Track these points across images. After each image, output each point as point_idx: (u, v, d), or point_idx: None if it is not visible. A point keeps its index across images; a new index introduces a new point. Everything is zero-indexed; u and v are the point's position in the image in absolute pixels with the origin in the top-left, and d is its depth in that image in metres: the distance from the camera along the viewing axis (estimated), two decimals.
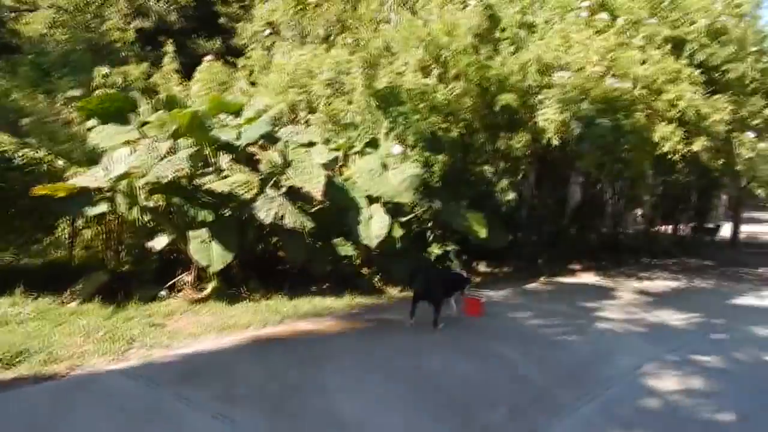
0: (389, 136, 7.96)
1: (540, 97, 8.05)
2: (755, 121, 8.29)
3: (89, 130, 7.79)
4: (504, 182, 8.73)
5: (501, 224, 8.65)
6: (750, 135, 8.12)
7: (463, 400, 3.76)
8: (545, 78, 8.18)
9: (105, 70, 9.52)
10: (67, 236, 7.36)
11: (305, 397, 3.74)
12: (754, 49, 8.61)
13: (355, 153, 8.21)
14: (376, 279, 7.54)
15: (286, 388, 3.86)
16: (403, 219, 8.00)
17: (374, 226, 7.06)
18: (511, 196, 8.60)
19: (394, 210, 7.78)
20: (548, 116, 7.72)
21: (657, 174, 10.76)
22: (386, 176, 7.42)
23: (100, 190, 6.82)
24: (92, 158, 7.60)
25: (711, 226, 13.47)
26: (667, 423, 3.49)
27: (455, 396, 3.83)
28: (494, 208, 8.77)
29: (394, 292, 7.21)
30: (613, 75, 7.69)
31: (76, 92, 9.31)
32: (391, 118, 8.18)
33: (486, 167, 8.72)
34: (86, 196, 6.73)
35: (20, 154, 6.59)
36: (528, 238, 9.98)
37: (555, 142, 7.61)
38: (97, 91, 7.44)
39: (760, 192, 8.96)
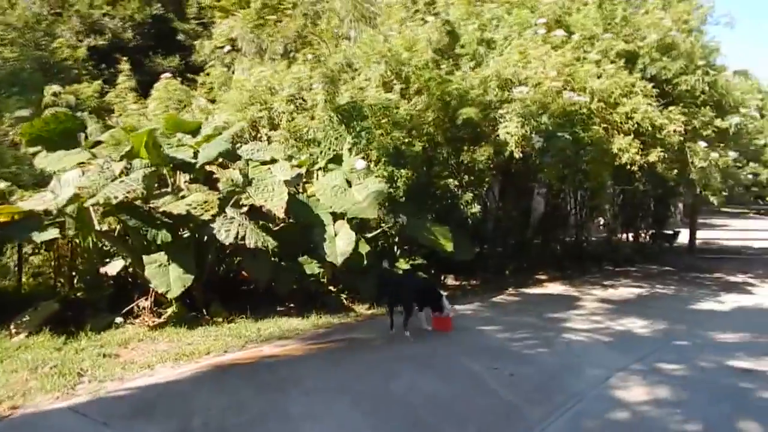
0: (352, 151, 7.89)
1: (501, 111, 8.15)
2: (706, 132, 8.59)
3: (33, 154, 7.43)
4: (468, 195, 8.75)
5: (467, 237, 8.66)
6: (702, 145, 8.41)
7: (431, 421, 3.66)
8: (505, 93, 8.30)
9: (55, 88, 9.13)
10: (14, 263, 6.95)
11: (268, 426, 3.56)
12: (702, 62, 8.97)
13: (319, 169, 8.11)
14: (343, 297, 7.39)
15: (248, 418, 3.67)
16: (369, 235, 7.92)
17: (339, 243, 6.94)
18: (476, 208, 8.62)
19: (360, 226, 7.69)
20: (509, 130, 7.80)
21: (616, 184, 11.03)
22: (350, 192, 7.33)
23: (48, 213, 6.49)
24: (41, 182, 7.26)
25: (669, 232, 13.89)
26: None
27: (423, 417, 3.72)
28: (460, 221, 8.78)
29: (361, 309, 7.08)
30: (571, 89, 7.86)
31: (25, 112, 8.91)
32: (354, 134, 8.13)
33: (450, 180, 8.73)
34: (34, 220, 6.38)
35: None
36: (494, 250, 10.03)
37: (517, 155, 7.69)
38: (46, 111, 7.09)
39: (713, 199, 9.25)
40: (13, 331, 5.58)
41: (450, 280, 8.94)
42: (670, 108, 8.27)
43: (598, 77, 8.15)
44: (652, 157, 7.73)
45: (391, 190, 7.79)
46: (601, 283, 9.20)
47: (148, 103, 10.78)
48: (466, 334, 5.83)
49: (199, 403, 3.89)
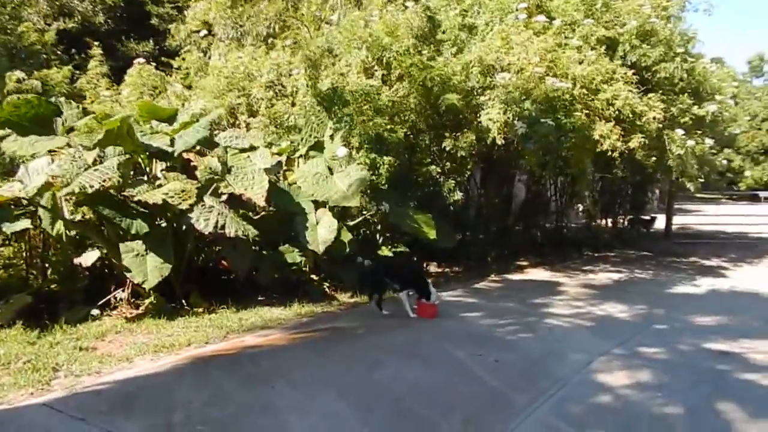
0: (334, 138, 7.77)
1: (483, 97, 8.11)
2: (684, 119, 8.70)
3: (1, 139, 7.15)
4: (451, 182, 8.73)
5: (449, 224, 8.65)
6: (680, 132, 8.51)
7: (417, 410, 3.64)
8: (488, 79, 8.26)
9: (18, 74, 8.75)
10: None
11: (253, 419, 3.50)
12: (680, 50, 9.05)
13: (300, 157, 7.98)
14: (325, 285, 7.33)
15: (232, 411, 3.59)
16: (352, 223, 7.84)
17: (321, 232, 6.86)
18: (458, 195, 8.61)
19: (342, 214, 7.62)
20: (492, 116, 7.77)
21: (596, 171, 11.13)
22: (332, 180, 7.23)
23: (17, 203, 6.26)
24: (9, 171, 6.99)
25: (647, 218, 14.12)
26: (620, 419, 3.51)
27: (409, 406, 3.70)
28: (442, 208, 8.76)
29: (344, 298, 7.03)
30: (554, 75, 7.85)
31: None
32: (335, 120, 8.00)
33: (432, 167, 8.69)
34: (5, 210, 6.15)
35: None
36: (476, 237, 10.06)
37: (499, 141, 7.68)
38: (8, 98, 6.80)
39: (690, 186, 9.40)
40: None
41: (433, 268, 8.95)
42: (650, 95, 8.33)
43: (580, 63, 8.16)
44: (633, 143, 7.79)
45: (374, 177, 7.71)
46: (581, 269, 9.31)
47: (122, 89, 10.46)
48: (450, 321, 5.83)
49: (181, 396, 3.80)
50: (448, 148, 8.46)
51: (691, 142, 8.60)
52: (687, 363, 4.65)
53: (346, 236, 7.31)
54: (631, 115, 7.82)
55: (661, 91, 8.71)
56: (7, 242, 7.05)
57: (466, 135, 8.28)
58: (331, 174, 7.31)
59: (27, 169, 6.06)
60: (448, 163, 8.98)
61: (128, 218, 6.15)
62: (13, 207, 6.31)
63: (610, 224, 13.43)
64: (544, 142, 8.10)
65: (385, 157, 7.90)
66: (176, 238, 6.51)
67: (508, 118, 7.72)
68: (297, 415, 3.57)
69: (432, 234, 7.39)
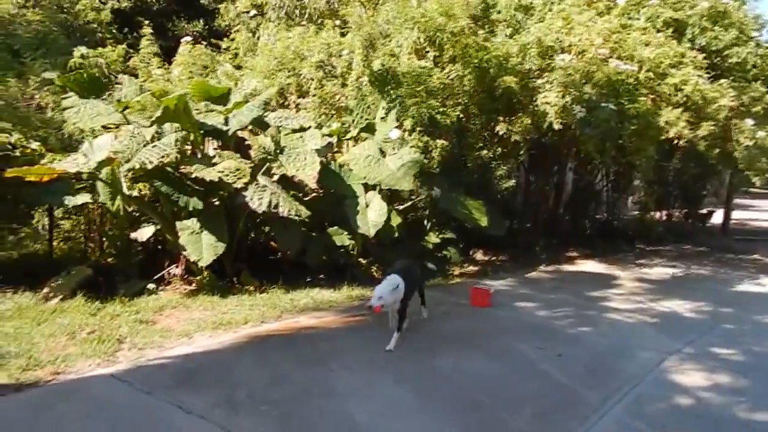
0: (386, 120, 7.63)
1: (540, 80, 7.79)
2: (755, 108, 8.15)
3: (64, 110, 7.31)
4: (502, 168, 8.47)
5: (498, 211, 8.43)
6: (749, 122, 7.98)
7: (482, 403, 3.52)
8: (546, 61, 7.92)
9: (83, 50, 8.94)
10: (45, 227, 6.90)
11: (314, 402, 3.45)
12: (755, 34, 8.46)
13: (350, 138, 7.88)
14: (374, 269, 7.26)
15: (291, 392, 3.57)
16: (401, 207, 7.72)
17: (371, 215, 6.77)
18: (510, 182, 8.35)
19: (391, 197, 7.50)
20: (549, 100, 7.45)
21: (654, 160, 10.62)
22: (384, 162, 7.11)
23: (79, 177, 6.39)
24: (68, 146, 7.14)
25: (704, 212, 13.47)
26: (704, 423, 3.30)
27: (473, 398, 3.58)
28: (491, 194, 8.54)
29: None
30: (618, 57, 7.45)
31: (51, 75, 8.74)
32: (387, 102, 7.85)
33: (484, 152, 8.45)
34: (65, 184, 6.29)
35: None
36: (524, 225, 9.79)
37: (557, 126, 7.36)
38: (76, 71, 6.94)
39: (756, 180, 8.85)
40: (48, 294, 5.53)
41: (479, 255, 8.76)
42: (720, 81, 7.83)
43: (646, 45, 7.73)
44: (702, 131, 7.34)
45: (426, 161, 7.54)
46: (635, 262, 8.94)
47: (173, 68, 10.55)
48: (505, 311, 5.66)
49: (241, 374, 3.80)
50: (500, 133, 8.20)
51: (761, 133, 8.06)
52: (765, 366, 4.36)
53: (396, 220, 7.20)
54: (701, 102, 7.36)
55: (732, 78, 8.18)
56: (66, 216, 7.24)
57: (521, 119, 7.99)
58: (383, 156, 7.18)
59: (91, 145, 6.15)
60: (499, 149, 8.72)
61: (184, 195, 6.20)
62: (73, 181, 6.46)
63: (664, 217, 12.87)
64: (603, 128, 7.74)
65: (437, 141, 7.70)
66: (228, 217, 6.54)
67: (567, 101, 7.40)
68: (356, 400, 3.51)
69: (484, 221, 7.20)
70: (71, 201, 6.37)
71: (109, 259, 6.76)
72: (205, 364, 3.94)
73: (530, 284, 7.04)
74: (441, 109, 8.17)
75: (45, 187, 6.11)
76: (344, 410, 3.37)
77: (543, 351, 4.40)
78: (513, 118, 8.12)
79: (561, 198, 10.80)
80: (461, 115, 8.46)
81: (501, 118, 8.23)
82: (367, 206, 6.88)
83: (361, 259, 7.45)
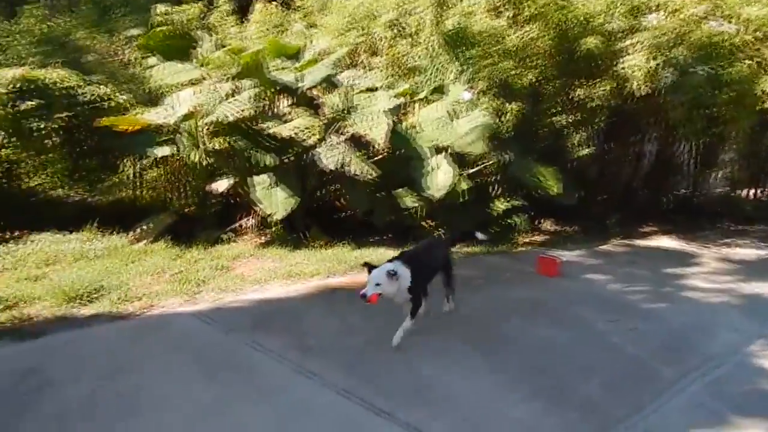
0: (458, 81, 7.43)
1: (626, 42, 7.28)
2: None
3: (148, 68, 7.66)
4: (577, 135, 8.09)
5: (571, 180, 8.10)
6: None
7: (550, 368, 3.48)
8: (633, 21, 7.38)
9: (164, 7, 9.26)
10: (132, 176, 7.37)
11: (380, 354, 3.55)
12: None
13: (421, 99, 7.76)
14: (440, 233, 7.23)
15: (359, 343, 3.68)
16: (469, 171, 7.58)
17: (439, 177, 6.71)
18: (585, 150, 7.97)
19: (460, 161, 7.37)
20: (636, 63, 6.98)
21: (749, 132, 9.77)
22: (454, 125, 6.98)
23: (160, 130, 6.71)
24: (150, 100, 7.49)
25: None
26: None
27: (541, 363, 3.55)
28: (563, 163, 8.19)
29: (456, 246, 6.89)
30: (719, 17, 6.81)
31: (136, 31, 9.13)
32: (460, 63, 7.62)
33: (559, 118, 8.08)
34: (149, 136, 6.65)
35: (85, 90, 6.48)
36: (597, 196, 9.37)
37: (644, 91, 6.90)
38: (157, 29, 7.22)
39: None
40: (136, 237, 5.95)
41: (547, 225, 8.51)
42: None
43: (749, 5, 7.00)
44: None
45: (498, 125, 7.32)
46: (718, 241, 8.37)
47: (247, 26, 10.73)
48: (574, 282, 5.51)
49: (312, 322, 3.95)
50: (578, 98, 7.79)
51: None
52: None
53: (463, 184, 7.09)
54: None
55: None
56: (151, 166, 7.67)
57: (602, 83, 7.55)
58: (453, 119, 7.04)
59: (175, 98, 6.41)
60: (575, 115, 8.30)
61: (260, 151, 6.39)
62: (156, 134, 6.80)
63: (752, 195, 11.91)
64: (693, 95, 7.19)
65: (510, 104, 7.44)
66: (299, 173, 6.70)
67: (655, 65, 6.90)
68: (425, 358, 3.57)
69: (557, 188, 6.95)
70: (155, 152, 6.74)
71: (189, 209, 7.13)
72: (278, 309, 4.13)
73: (602, 257, 6.78)
74: (515, 72, 7.86)
75: (131, 139, 6.48)
76: (411, 364, 3.44)
77: (615, 324, 4.26)
78: (593, 83, 7.69)
79: (639, 170, 10.21)
80: (536, 79, 8.10)
81: (580, 82, 7.81)
82: (435, 169, 6.81)
83: (426, 222, 7.45)
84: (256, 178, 6.23)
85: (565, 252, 6.71)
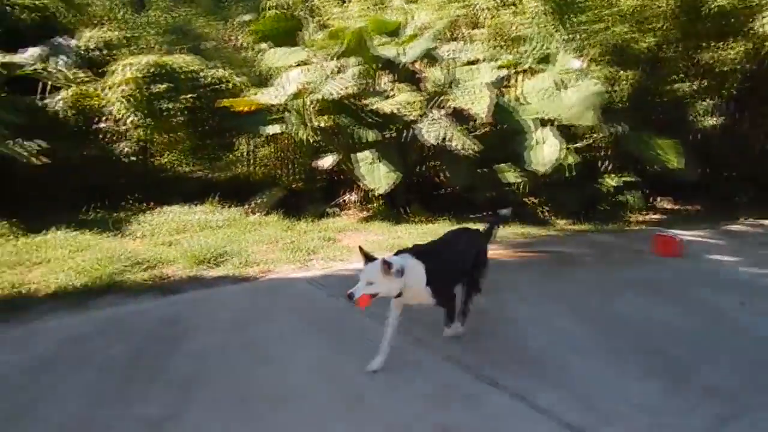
0: (566, 50, 7.04)
1: None
2: None
3: (258, 52, 8.11)
4: (702, 104, 7.34)
5: (692, 154, 7.40)
6: None
7: (667, 349, 3.26)
8: None
9: None
10: (246, 154, 7.92)
11: (489, 325, 3.54)
12: None
13: (525, 71, 7.47)
14: (545, 209, 7.01)
15: (470, 315, 3.69)
16: (577, 145, 7.21)
17: (545, 152, 6.46)
18: (711, 121, 7.23)
19: (567, 134, 7.03)
20: None
21: None
22: (561, 96, 6.65)
23: (271, 109, 7.11)
24: (262, 81, 7.94)
25: None
26: None
27: (659, 344, 3.33)
28: (684, 135, 7.49)
29: (563, 223, 6.65)
30: None
31: (247, 17, 9.70)
32: (568, 30, 7.21)
33: (680, 86, 7.38)
34: (261, 116, 7.08)
35: (206, 74, 7.02)
36: (723, 171, 8.48)
37: None
38: (267, 12, 7.62)
39: None
40: (251, 210, 6.42)
41: (664, 203, 7.89)
42: None
43: None
44: None
45: (610, 94, 6.86)
46: None
47: (349, 6, 10.93)
48: (696, 263, 5.08)
49: None
50: (706, 62, 7.06)
51: None
52: None
53: (570, 158, 6.77)
54: None
55: None
56: (262, 144, 8.19)
57: (735, 44, 6.76)
58: (561, 89, 6.71)
59: (285, 78, 6.75)
60: (701, 81, 7.53)
61: (363, 127, 6.57)
62: (267, 114, 7.23)
63: None
64: None
65: (625, 72, 6.92)
66: (400, 149, 6.79)
67: None
68: (535, 327, 3.51)
69: (678, 162, 6.42)
70: (266, 131, 7.18)
71: (297, 184, 7.55)
72: None
73: (729, 237, 6.17)
74: (631, 36, 7.29)
75: (246, 118, 6.96)
76: (521, 336, 3.40)
77: (745, 308, 3.88)
78: (723, 44, 6.92)
79: None
80: (655, 43, 7.45)
81: (707, 45, 7.07)
82: (540, 143, 6.56)
83: (530, 198, 7.24)
84: (359, 155, 6.41)
85: (685, 232, 6.19)
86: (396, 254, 2.90)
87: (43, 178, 5.95)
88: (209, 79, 7.04)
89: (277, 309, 3.63)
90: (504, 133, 6.95)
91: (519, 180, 6.88)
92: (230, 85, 7.31)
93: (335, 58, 6.95)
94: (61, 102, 6.60)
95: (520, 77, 7.53)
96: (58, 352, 2.89)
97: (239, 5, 10.50)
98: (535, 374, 2.89)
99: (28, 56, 6.60)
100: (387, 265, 2.64)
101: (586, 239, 5.83)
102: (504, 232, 5.98)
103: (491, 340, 3.32)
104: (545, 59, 7.23)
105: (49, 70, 6.48)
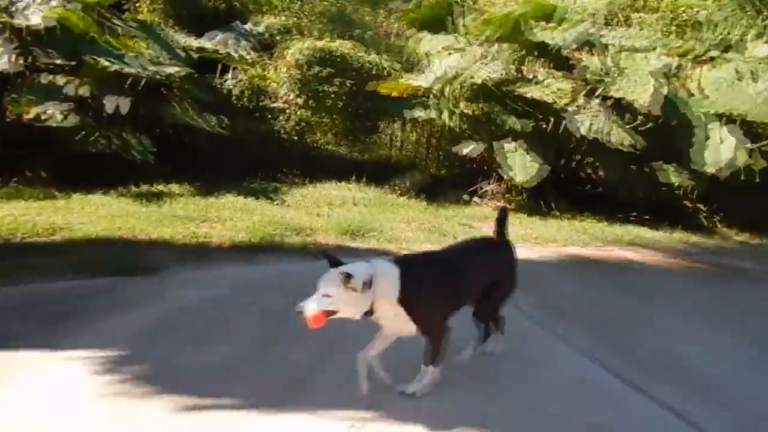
0: (757, 36, 6.13)
1: None
2: None
3: (409, 39, 8.27)
4: None
5: None
6: None
7: None
8: None
9: None
10: (389, 137, 8.19)
11: (634, 329, 3.27)
12: None
13: (703, 59, 6.66)
14: (714, 217, 6.25)
15: (612, 315, 3.46)
16: (764, 145, 6.27)
17: (723, 152, 5.73)
18: None
19: (750, 133, 6.14)
20: None
21: None
22: (749, 89, 5.83)
23: (416, 94, 7.20)
24: (410, 65, 8.08)
25: None
26: None
27: None
28: None
29: (732, 233, 5.88)
30: None
31: (402, 5, 9.91)
32: (756, 10, 6.26)
33: None
34: (407, 100, 7.23)
35: (362, 58, 7.35)
36: None
37: None
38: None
39: None
40: (392, 190, 6.64)
41: None
42: None
43: None
44: None
45: None
46: None
47: None
48: None
49: (559, 286, 3.88)
50: None
51: None
52: None
53: (755, 161, 5.89)
54: None
55: None
56: (404, 128, 8.38)
57: None
58: (748, 82, 5.88)
59: (437, 63, 6.82)
60: None
61: (511, 116, 6.39)
62: (412, 98, 7.35)
63: None
64: None
65: None
66: (550, 140, 6.49)
67: None
68: (687, 342, 3.17)
69: None
70: (409, 114, 7.33)
71: (437, 169, 7.62)
72: (530, 271, 4.12)
73: None
74: None
75: (393, 103, 7.17)
76: (671, 347, 3.09)
77: None
78: None
79: None
80: None
81: None
82: (714, 140, 5.84)
83: (692, 203, 6.50)
84: (506, 144, 6.27)
85: None
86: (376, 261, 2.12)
87: (218, 149, 6.75)
88: (363, 63, 7.36)
89: None
90: (668, 129, 6.29)
91: (683, 181, 6.18)
92: (381, 70, 7.57)
93: (487, 44, 6.83)
94: (235, 81, 7.39)
95: (697, 67, 6.73)
96: (230, 296, 3.28)
97: None
98: (684, 383, 2.63)
99: (216, 41, 7.49)
100: (346, 276, 1.94)
101: (760, 252, 5.10)
102: (656, 236, 5.48)
103: (635, 342, 3.09)
104: (729, 47, 6.37)
105: (230, 53, 7.28)
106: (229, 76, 7.43)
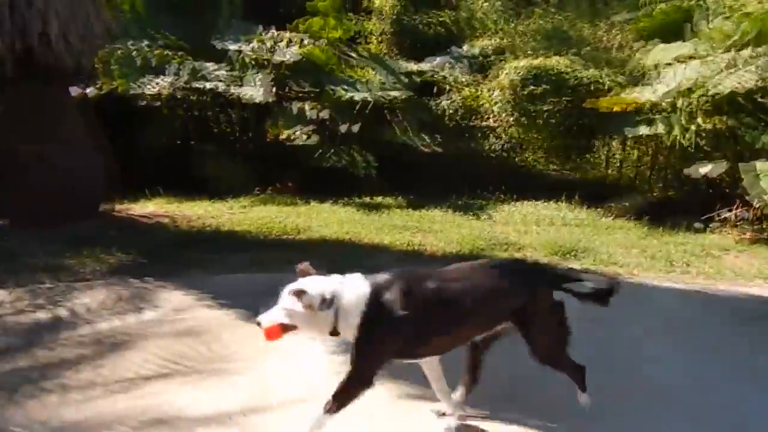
0: None
1: None
2: None
3: (633, 50, 7.59)
4: None
5: None
6: None
7: None
8: None
9: None
10: (605, 156, 7.63)
11: None
12: None
13: None
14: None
15: None
16: None
17: None
18: None
19: None
20: None
21: None
22: None
23: (641, 110, 6.55)
24: (635, 79, 7.40)
25: None
26: None
27: None
28: None
29: None
30: None
31: (627, 16, 9.21)
32: None
33: None
34: (629, 116, 6.64)
35: (581, 74, 7.04)
36: None
37: None
38: (658, 6, 7.05)
39: None
40: (607, 212, 6.17)
41: None
42: None
43: None
44: None
45: None
46: None
47: None
48: None
49: None
50: None
51: None
52: None
53: None
54: None
55: None
56: (622, 147, 7.69)
57: None
58: None
59: (671, 74, 6.18)
60: None
61: (765, 131, 5.41)
62: (634, 114, 6.71)
63: None
64: None
65: None
66: None
67: None
68: None
69: None
70: (632, 132, 6.70)
71: (661, 192, 6.83)
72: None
73: None
74: None
75: (611, 119, 6.65)
76: None
77: None
78: None
79: None
80: None
81: None
82: None
83: None
84: (758, 164, 5.30)
85: None
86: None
87: (430, 166, 7.16)
88: (581, 80, 7.03)
89: (641, 312, 3.37)
90: None
91: None
92: (601, 85, 7.12)
93: (735, 49, 5.91)
94: (449, 102, 7.77)
95: None
96: None
97: (616, 5, 10.08)
98: None
99: (435, 64, 8.03)
100: (298, 293, 1.79)
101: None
102: None
103: None
104: None
105: (445, 75, 7.71)
106: (444, 97, 7.85)
